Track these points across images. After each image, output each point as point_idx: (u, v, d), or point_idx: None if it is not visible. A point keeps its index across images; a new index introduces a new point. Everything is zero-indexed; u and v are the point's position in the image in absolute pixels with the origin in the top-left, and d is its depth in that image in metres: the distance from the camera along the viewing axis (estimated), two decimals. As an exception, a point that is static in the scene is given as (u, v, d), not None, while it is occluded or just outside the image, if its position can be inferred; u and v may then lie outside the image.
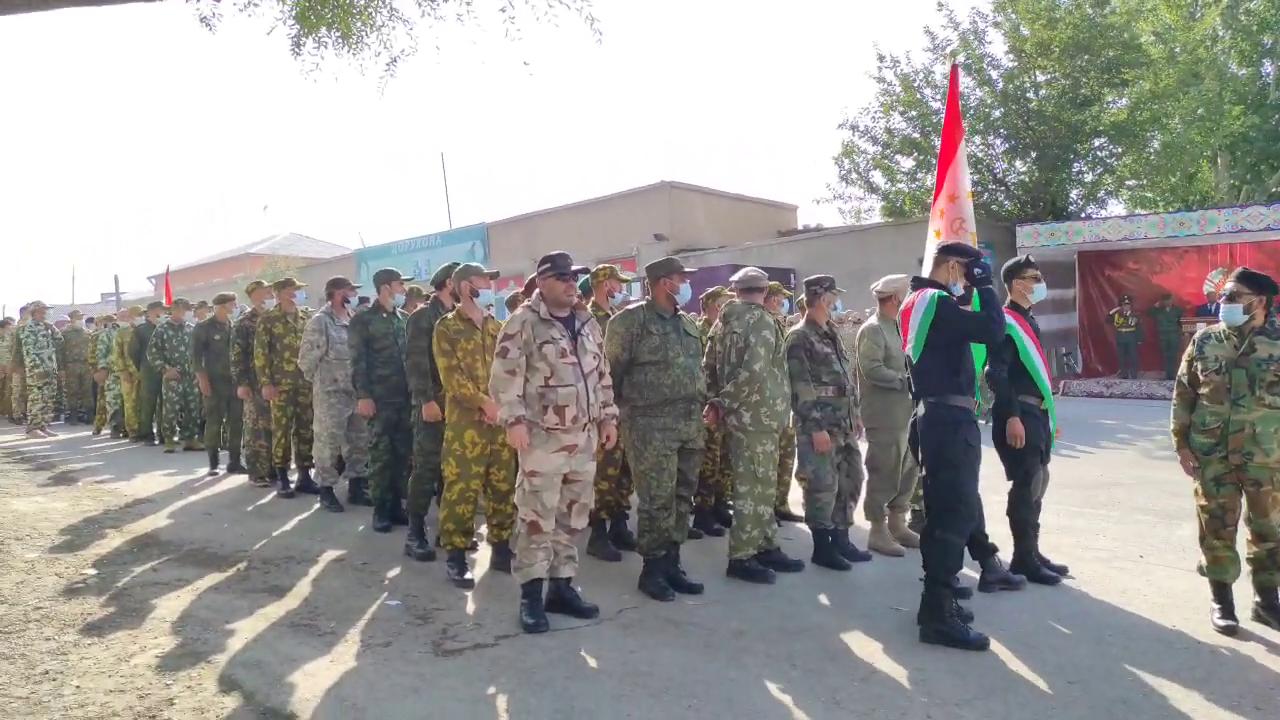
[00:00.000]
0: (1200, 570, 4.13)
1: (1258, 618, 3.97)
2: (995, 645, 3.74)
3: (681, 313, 4.80)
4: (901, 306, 4.20)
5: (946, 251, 4.18)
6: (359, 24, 7.21)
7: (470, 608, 4.32)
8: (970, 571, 4.67)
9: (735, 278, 5.13)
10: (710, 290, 6.33)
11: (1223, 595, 3.99)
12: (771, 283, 5.83)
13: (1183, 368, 4.23)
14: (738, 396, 4.76)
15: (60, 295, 42.57)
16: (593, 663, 3.61)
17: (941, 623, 3.80)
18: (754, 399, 4.73)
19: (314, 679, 3.44)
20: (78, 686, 3.31)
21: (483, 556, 5.15)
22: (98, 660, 3.58)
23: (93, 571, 4.87)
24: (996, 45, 19.00)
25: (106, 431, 11.75)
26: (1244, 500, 3.97)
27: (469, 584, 4.67)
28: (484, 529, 5.19)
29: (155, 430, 10.65)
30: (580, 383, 4.04)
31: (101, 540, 5.60)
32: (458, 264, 5.71)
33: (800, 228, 24.70)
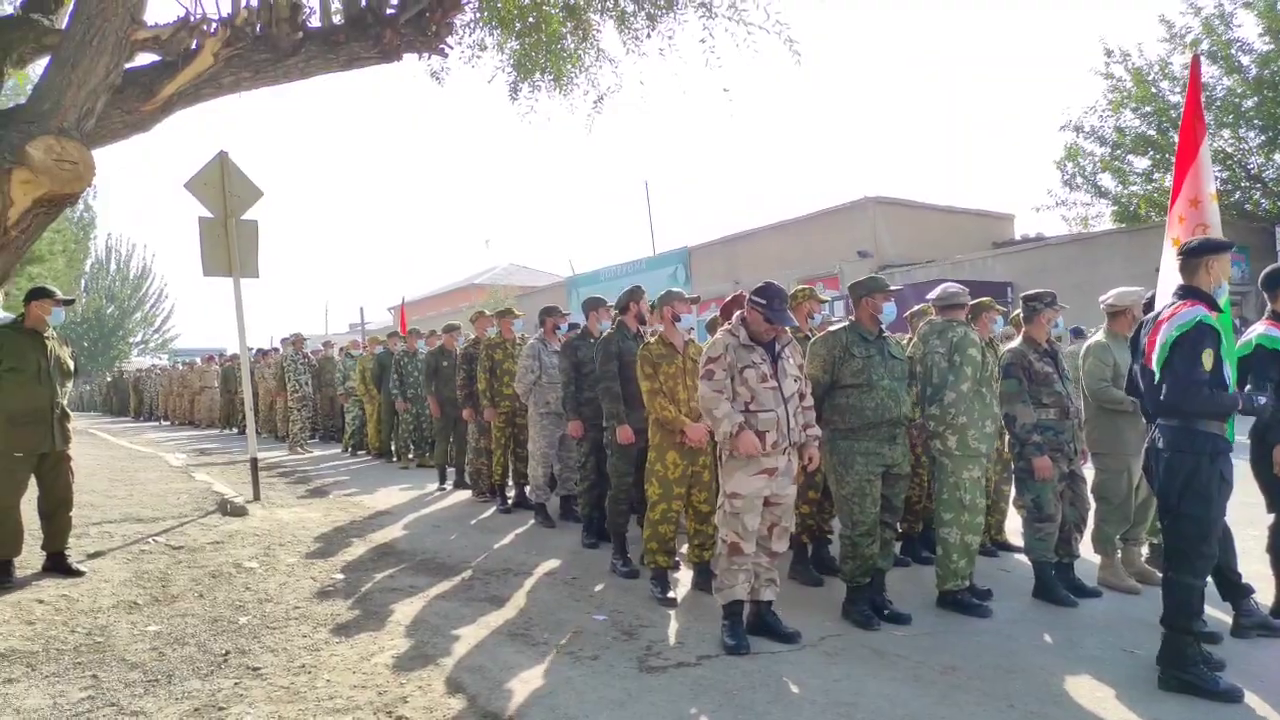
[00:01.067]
0: None
1: None
2: (1250, 698, 3.34)
3: (887, 334, 4.68)
4: (1160, 315, 3.71)
5: (1200, 251, 3.67)
6: (569, 66, 7.64)
7: (673, 626, 4.42)
8: (1222, 614, 4.20)
9: (933, 294, 4.95)
10: (915, 308, 6.12)
11: None
12: (983, 299, 5.57)
13: None
14: (943, 419, 4.57)
15: (315, 327, 47.77)
16: (795, 689, 3.58)
17: (1183, 669, 3.44)
18: (960, 421, 4.53)
19: (529, 686, 3.65)
20: (328, 680, 3.71)
21: (685, 576, 5.25)
22: (344, 657, 3.99)
23: (340, 576, 5.43)
24: (1248, 28, 17.07)
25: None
26: None
27: (672, 602, 4.77)
28: (685, 549, 5.29)
29: (393, 448, 11.70)
30: (781, 407, 4.04)
31: (348, 548, 6.23)
32: (638, 287, 5.90)
33: (1018, 238, 23.25)
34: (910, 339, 5.91)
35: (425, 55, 5.88)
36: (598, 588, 5.13)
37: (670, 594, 4.84)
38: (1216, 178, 17.80)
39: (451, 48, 6.02)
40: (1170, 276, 4.34)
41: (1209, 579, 4.15)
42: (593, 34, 7.38)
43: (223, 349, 27.83)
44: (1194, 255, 3.67)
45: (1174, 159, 4.65)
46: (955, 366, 4.56)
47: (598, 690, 3.59)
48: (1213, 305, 3.57)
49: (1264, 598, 4.23)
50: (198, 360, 23.31)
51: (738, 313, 4.31)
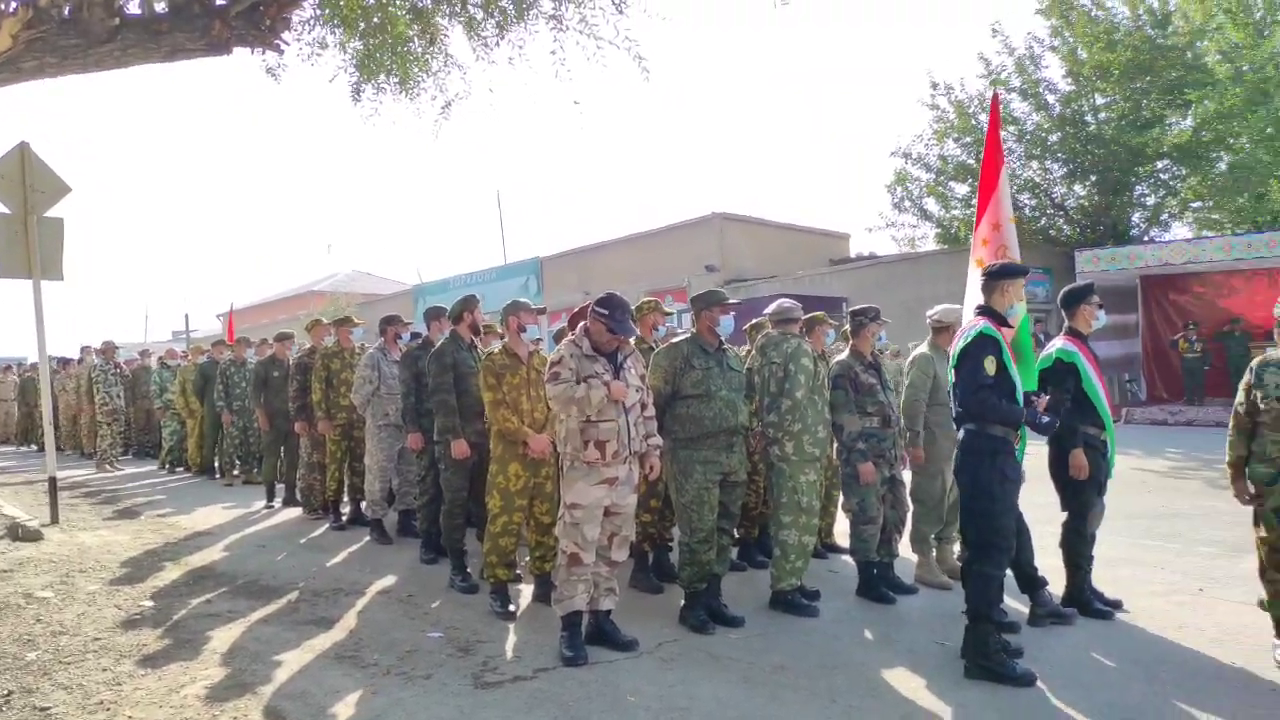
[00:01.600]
0: (1261, 605, 3.96)
1: None
2: (1043, 682, 3.63)
3: (727, 346, 4.80)
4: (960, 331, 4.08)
5: (998, 275, 4.03)
6: (416, 70, 7.44)
7: (511, 640, 4.34)
8: (1019, 605, 4.55)
9: (769, 309, 5.14)
10: (753, 322, 6.32)
11: None
12: (816, 313, 5.82)
13: (1240, 396, 4.09)
14: (780, 426, 4.74)
15: (134, 334, 44.29)
16: (631, 697, 3.59)
17: (985, 658, 3.71)
18: (796, 428, 4.71)
19: (355, 710, 3.48)
20: (130, 716, 3.41)
21: (525, 589, 5.18)
22: (150, 691, 3.68)
23: (150, 603, 5.02)
24: (1054, 69, 18.77)
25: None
26: None
27: (511, 616, 4.70)
28: (526, 561, 5.22)
29: (216, 464, 10.97)
30: (622, 417, 4.06)
31: (160, 573, 5.77)
32: (472, 296, 5.82)
33: (853, 256, 24.54)
34: (749, 351, 6.11)
35: (259, 50, 5.56)
36: (434, 604, 4.99)
37: (510, 607, 4.77)
38: (1026, 205, 19.53)
39: (288, 44, 5.73)
40: (974, 294, 4.74)
41: (1009, 572, 4.53)
42: (440, 38, 7.23)
43: (23, 358, 25.26)
44: (992, 278, 4.04)
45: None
46: (791, 376, 4.74)
47: (429, 710, 3.47)
48: (1001, 322, 3.91)
49: (1057, 588, 4.60)
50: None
51: (581, 323, 4.31)
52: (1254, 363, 4.11)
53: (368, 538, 6.75)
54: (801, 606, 4.67)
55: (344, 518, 7.37)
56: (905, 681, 3.71)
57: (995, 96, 5.58)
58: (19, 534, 6.59)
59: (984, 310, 3.99)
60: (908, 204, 20.69)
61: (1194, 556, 5.62)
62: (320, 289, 37.97)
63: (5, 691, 3.61)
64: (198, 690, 3.69)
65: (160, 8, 5.13)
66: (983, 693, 3.54)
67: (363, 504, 7.16)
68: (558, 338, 6.07)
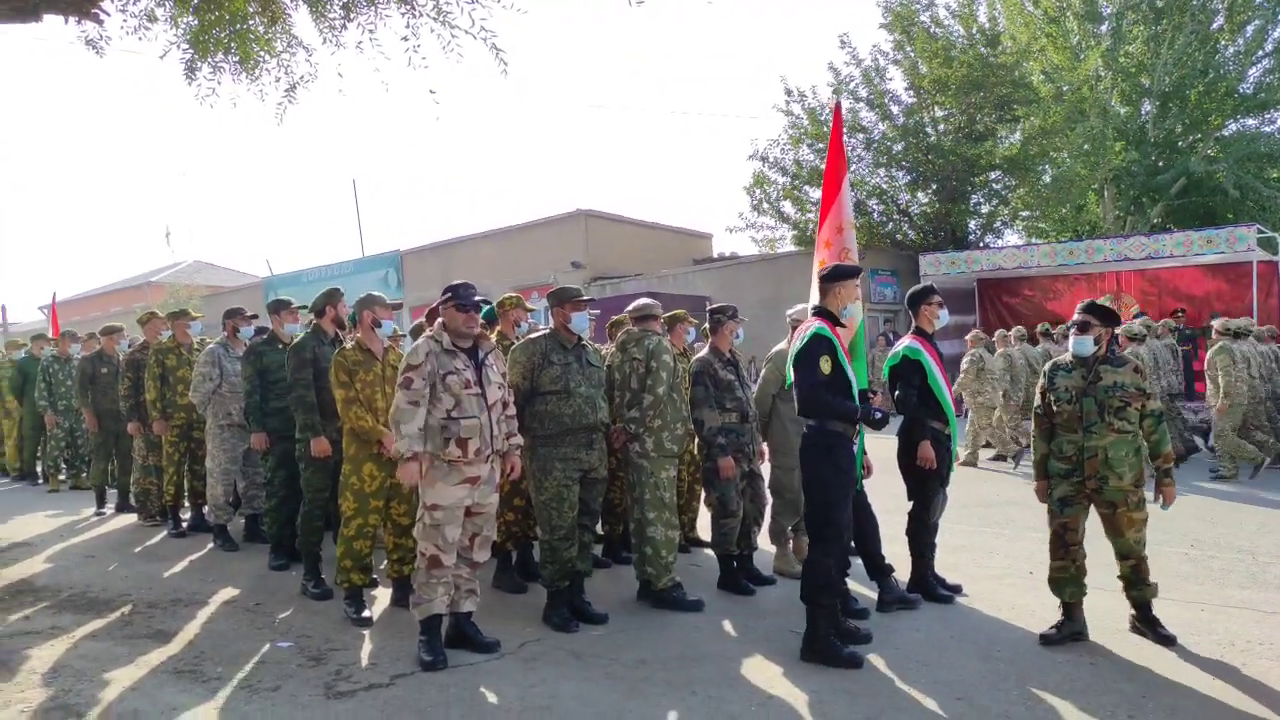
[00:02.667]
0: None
1: (1135, 629, 4.15)
2: (889, 664, 3.83)
3: (586, 343, 4.80)
4: (795, 331, 4.28)
5: (831, 278, 4.19)
6: (257, 49, 7.04)
7: (367, 647, 4.20)
8: (869, 591, 4.78)
9: (630, 307, 5.18)
10: (614, 319, 6.36)
11: (1068, 611, 4.13)
12: (677, 311, 5.92)
13: (1037, 400, 4.36)
14: (641, 422, 4.78)
15: (-60, 327, 39.99)
16: (492, 698, 3.55)
17: (817, 641, 3.89)
18: (656, 424, 4.77)
19: (195, 728, 3.28)
20: (-70, 748, 3.09)
21: (382, 594, 5.02)
22: (-45, 719, 3.35)
23: (-43, 623, 4.55)
24: (897, 82, 19.80)
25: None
26: (1102, 522, 4.13)
27: (367, 622, 4.54)
28: (384, 565, 5.06)
29: (39, 469, 10.07)
30: (484, 414, 3.99)
31: (-31, 588, 5.25)
32: (337, 289, 5.61)
33: (715, 256, 25.08)
34: (609, 348, 6.14)
35: (75, 19, 5.11)
36: (285, 613, 4.76)
37: (365, 613, 4.61)
38: (874, 210, 20.52)
39: (108, 14, 5.29)
40: (815, 296, 4.98)
41: (858, 560, 4.76)
42: (283, 18, 6.86)
43: None
44: (827, 280, 4.20)
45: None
46: (653, 372, 4.79)
47: (276, 724, 3.31)
48: (836, 322, 4.09)
49: (903, 575, 4.86)
50: None
51: (438, 320, 4.20)
52: (1046, 366, 4.42)
53: (211, 545, 6.36)
54: (684, 602, 4.72)
55: (184, 524, 6.92)
56: (762, 670, 3.83)
57: (838, 106, 5.84)
58: None
59: (819, 311, 4.16)
60: (766, 206, 21.30)
61: (1025, 541, 6.06)
62: (159, 280, 35.46)
63: None
64: (12, 715, 3.38)
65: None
66: (833, 678, 3.69)
67: (205, 509, 6.74)
68: (414, 334, 5.90)
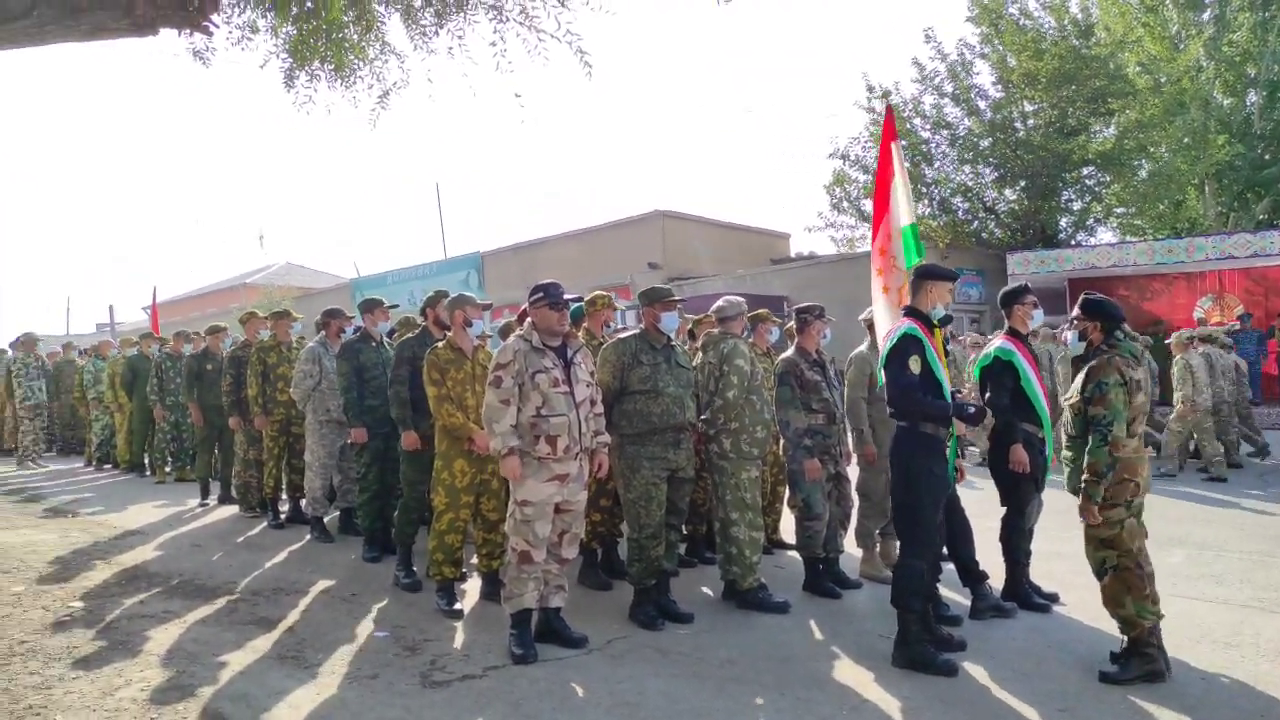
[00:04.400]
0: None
1: None
2: (986, 674, 3.74)
3: (675, 343, 4.82)
4: (884, 333, 4.23)
5: (927, 276, 4.13)
6: (352, 57, 7.26)
7: (459, 638, 4.30)
8: (962, 599, 4.67)
9: (713, 308, 5.18)
10: (696, 319, 6.35)
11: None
12: (760, 310, 5.89)
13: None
14: (714, 424, 4.79)
15: (55, 327, 42.51)
16: (580, 693, 3.59)
17: (909, 647, 3.81)
18: (732, 426, 4.76)
19: (299, 711, 3.41)
20: (61, 720, 3.29)
21: (472, 587, 5.13)
22: (83, 694, 3.55)
23: (80, 604, 4.83)
24: (984, 76, 19.25)
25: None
26: None
27: (458, 614, 4.65)
28: (474, 559, 5.17)
29: (147, 461, 10.61)
30: (572, 412, 4.05)
31: (90, 573, 5.56)
32: (445, 292, 5.74)
33: (793, 255, 24.85)
34: (692, 348, 6.15)
35: (186, 32, 5.37)
36: (380, 604, 4.91)
37: (456, 605, 4.72)
38: (959, 208, 20.01)
39: (217, 26, 5.53)
40: (879, 299, 4.90)
41: (952, 567, 4.66)
42: (377, 25, 7.07)
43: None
44: (918, 279, 4.14)
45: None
46: (724, 376, 4.79)
47: (375, 710, 3.42)
48: (926, 322, 4.01)
49: (997, 583, 4.73)
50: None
51: (528, 319, 4.28)
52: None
53: (308, 536, 6.61)
54: (770, 603, 4.70)
55: (283, 516, 7.20)
56: (852, 674, 3.78)
57: (889, 109, 5.74)
58: (-66, 535, 6.29)
59: (910, 311, 4.09)
60: (846, 205, 21.00)
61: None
62: (253, 281, 36.91)
63: (-76, 700, 3.45)
64: (133, 693, 3.57)
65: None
66: (926, 685, 3.63)
67: (302, 502, 7.00)
68: (503, 333, 6.02)
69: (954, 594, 4.71)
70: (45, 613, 4.66)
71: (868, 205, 20.71)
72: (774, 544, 6.16)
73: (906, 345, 3.87)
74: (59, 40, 4.67)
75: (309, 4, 6.52)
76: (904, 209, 4.90)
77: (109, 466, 11.34)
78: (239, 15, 6.63)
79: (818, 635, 4.35)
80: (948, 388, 3.98)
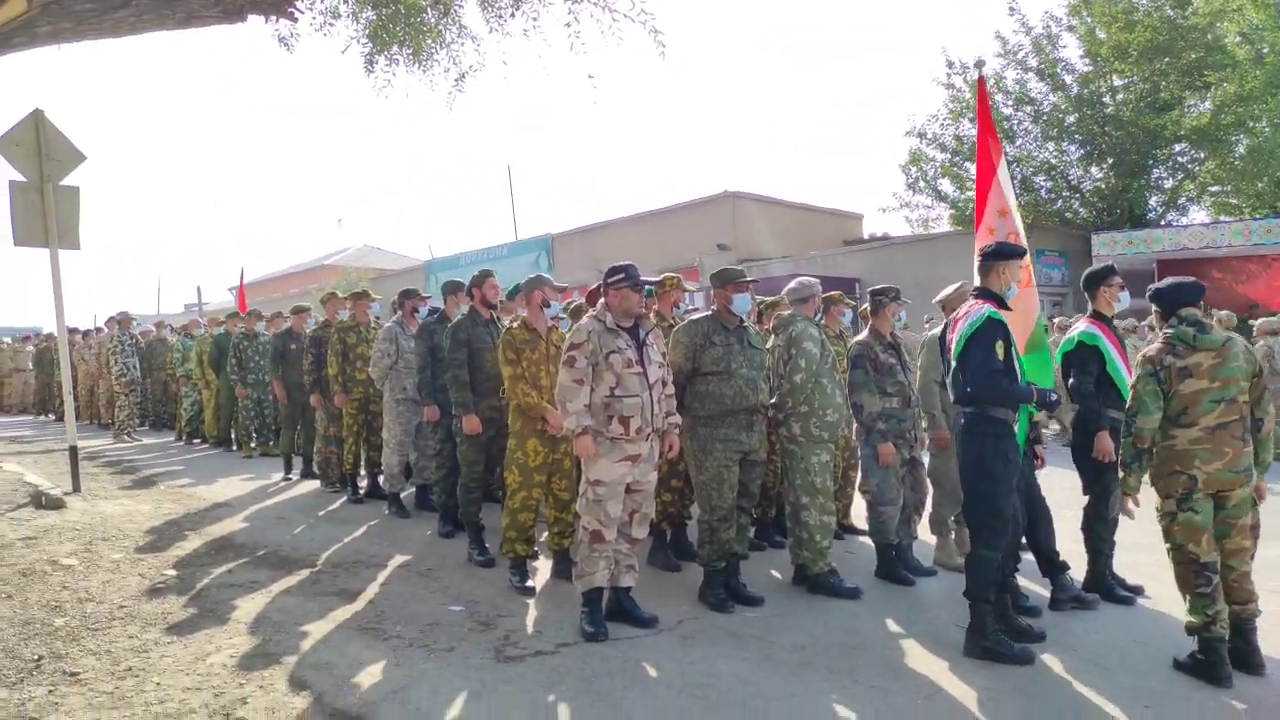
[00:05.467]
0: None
1: None
2: (1065, 667, 3.64)
3: (748, 324, 4.79)
4: (954, 315, 4.10)
5: (994, 257, 4.01)
6: (429, 41, 7.38)
7: (532, 615, 4.37)
8: (1041, 589, 4.55)
9: (785, 289, 5.12)
10: (768, 301, 6.29)
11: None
12: (833, 293, 5.80)
13: None
14: (782, 408, 4.74)
15: (146, 306, 44.41)
16: (652, 673, 3.62)
17: (984, 637, 3.73)
18: (802, 409, 4.71)
19: (379, 682, 3.51)
20: (158, 683, 3.45)
21: (543, 564, 5.20)
22: (177, 658, 3.72)
23: (173, 572, 5.06)
24: (1071, 49, 18.51)
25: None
26: None
27: (530, 591, 4.72)
28: (545, 537, 5.24)
29: (233, 436, 11.03)
30: (645, 393, 4.06)
31: (182, 542, 5.82)
32: (489, 271, 5.84)
33: (866, 237, 24.40)
34: (764, 330, 6.10)
35: (272, 18, 5.53)
36: (454, 579, 5.02)
37: (529, 583, 4.79)
38: (1041, 187, 19.36)
39: (302, 12, 5.69)
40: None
41: (1031, 557, 4.53)
42: (454, 9, 7.16)
43: (38, 328, 25.36)
44: (988, 260, 4.01)
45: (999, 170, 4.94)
46: (792, 359, 4.73)
47: (452, 683, 3.50)
48: (1002, 304, 3.89)
49: (1078, 573, 4.60)
50: (7, 340, 21.17)
51: (601, 300, 4.30)
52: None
53: (385, 511, 6.79)
54: (841, 588, 4.66)
55: (361, 491, 7.41)
56: (927, 663, 3.73)
57: (981, 80, 5.47)
58: (42, 502, 6.64)
59: (983, 293, 3.97)
60: (922, 184, 20.53)
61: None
62: (331, 263, 37.96)
63: (36, 656, 3.66)
64: (223, 659, 3.73)
65: (173, -28, 5.10)
66: (1004, 676, 3.55)
67: (380, 477, 7.20)
68: (574, 314, 6.04)
69: (1033, 584, 4.59)
70: (142, 579, 4.89)
71: (945, 184, 20.25)
72: (845, 529, 6.10)
73: (992, 330, 3.75)
74: (154, 28, 4.85)
75: (388, -11, 6.65)
76: (1008, 188, 4.74)
77: (198, 441, 11.83)
78: (321, 1, 6.79)
79: (890, 623, 4.29)
80: (1021, 374, 3.87)
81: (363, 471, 7.48)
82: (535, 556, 5.21)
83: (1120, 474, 3.75)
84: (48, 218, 7.30)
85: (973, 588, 3.79)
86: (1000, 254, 4.00)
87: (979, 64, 18.48)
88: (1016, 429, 3.93)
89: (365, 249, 42.18)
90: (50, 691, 3.32)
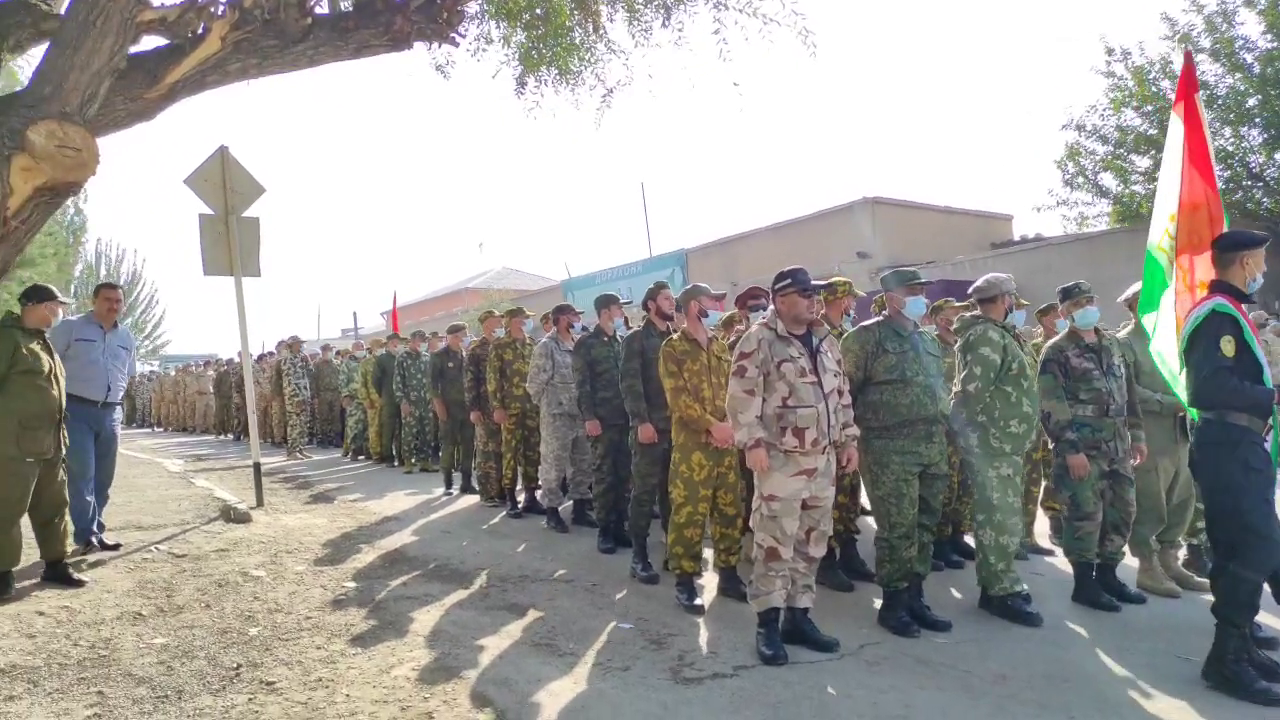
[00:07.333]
0: None
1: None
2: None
3: (923, 329, 4.53)
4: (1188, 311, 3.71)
5: (1236, 246, 3.60)
6: (575, 59, 7.45)
7: (703, 635, 4.24)
8: (1276, 620, 4.05)
9: (971, 287, 4.83)
10: (933, 304, 5.94)
11: None
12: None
13: None
14: (955, 418, 4.47)
15: (308, 330, 47.38)
16: (841, 701, 3.41)
17: (1225, 665, 3.34)
18: (979, 419, 4.40)
19: (559, 699, 3.46)
20: (347, 695, 3.52)
21: (709, 582, 5.07)
22: (363, 670, 3.80)
23: (352, 584, 5.23)
24: (1250, 25, 16.95)
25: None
26: None
27: (699, 610, 4.59)
28: (710, 553, 5.11)
29: (395, 452, 11.48)
30: (821, 403, 3.87)
31: (357, 555, 6.03)
32: (664, 283, 5.75)
33: (1017, 239, 23.17)
34: (936, 334, 5.78)
35: (436, 44, 5.69)
36: (619, 595, 4.95)
37: (697, 601, 4.66)
38: (1218, 177, 17.82)
39: (463, 35, 5.83)
40: (1174, 274, 4.26)
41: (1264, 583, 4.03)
42: (603, 25, 7.20)
43: (214, 354, 27.48)
44: (1228, 250, 3.60)
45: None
46: (967, 367, 4.45)
47: (633, 704, 3.41)
48: (1242, 297, 3.50)
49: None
50: (193, 365, 23.00)
51: (770, 307, 4.14)
52: None
53: (544, 526, 6.84)
54: (1020, 613, 4.32)
55: (520, 506, 7.50)
56: (1152, 700, 3.35)
57: (1188, 55, 4.90)
58: (231, 516, 7.07)
59: (1220, 286, 3.57)
60: (1081, 180, 19.24)
61: None
62: (474, 286, 39.35)
63: (235, 665, 3.81)
64: (407, 672, 3.77)
65: (346, 5, 5.33)
66: (1249, 715, 3.14)
67: (537, 492, 7.27)
68: (725, 324, 5.87)
69: (1271, 617, 4.08)
70: (324, 591, 5.07)
71: (1107, 179, 18.92)
72: (1028, 548, 5.67)
73: (1218, 323, 3.38)
74: (329, 60, 5.07)
75: (539, 10, 6.75)
76: (1196, 180, 4.28)
77: (363, 457, 12.40)
78: (476, 28, 6.97)
79: (1100, 653, 3.91)
80: (1267, 371, 3.44)
81: (520, 486, 7.58)
82: (701, 574, 5.09)
83: None
84: (232, 248, 7.80)
85: (1223, 608, 3.41)
86: (1243, 241, 3.61)
87: (1184, 37, 17.09)
88: (1269, 436, 3.49)
89: (504, 271, 43.53)
90: (250, 700, 3.44)
